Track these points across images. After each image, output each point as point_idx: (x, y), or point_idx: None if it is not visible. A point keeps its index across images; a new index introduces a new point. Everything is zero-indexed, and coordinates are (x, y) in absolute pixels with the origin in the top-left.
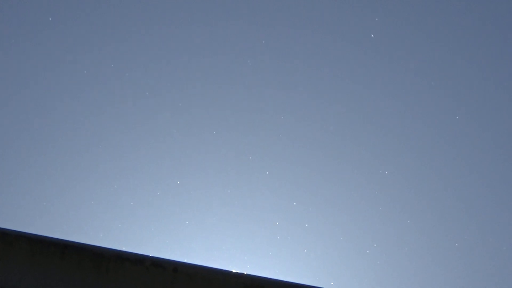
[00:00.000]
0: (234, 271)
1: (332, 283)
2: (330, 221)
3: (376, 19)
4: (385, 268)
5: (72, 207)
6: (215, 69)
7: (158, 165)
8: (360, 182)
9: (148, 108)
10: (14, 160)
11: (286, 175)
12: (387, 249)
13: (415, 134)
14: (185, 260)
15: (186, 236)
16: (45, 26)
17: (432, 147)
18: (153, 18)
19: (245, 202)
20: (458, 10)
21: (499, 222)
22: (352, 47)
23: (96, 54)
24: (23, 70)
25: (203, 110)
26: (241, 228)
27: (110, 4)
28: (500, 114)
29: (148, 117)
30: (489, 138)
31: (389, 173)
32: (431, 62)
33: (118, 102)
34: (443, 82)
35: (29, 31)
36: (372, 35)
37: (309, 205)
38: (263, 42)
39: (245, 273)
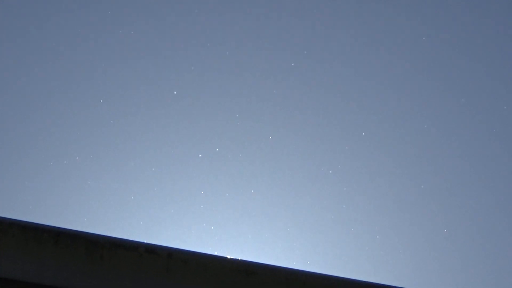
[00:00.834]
0: (228, 256)
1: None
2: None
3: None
4: (386, 260)
5: (66, 195)
6: (215, 67)
7: (153, 155)
8: (360, 177)
9: (149, 98)
10: (8, 148)
11: (280, 164)
12: (388, 242)
13: (415, 134)
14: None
15: (180, 227)
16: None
17: (432, 147)
18: (148, 13)
19: (241, 186)
20: (460, 10)
21: (500, 222)
22: (352, 47)
23: (92, 49)
24: (12, 65)
25: (200, 100)
26: (236, 215)
27: (108, 3)
28: (500, 114)
29: (147, 108)
30: (489, 138)
31: (388, 169)
32: (431, 62)
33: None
34: (443, 82)
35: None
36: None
37: (306, 193)
38: (264, 42)
39: (239, 258)
